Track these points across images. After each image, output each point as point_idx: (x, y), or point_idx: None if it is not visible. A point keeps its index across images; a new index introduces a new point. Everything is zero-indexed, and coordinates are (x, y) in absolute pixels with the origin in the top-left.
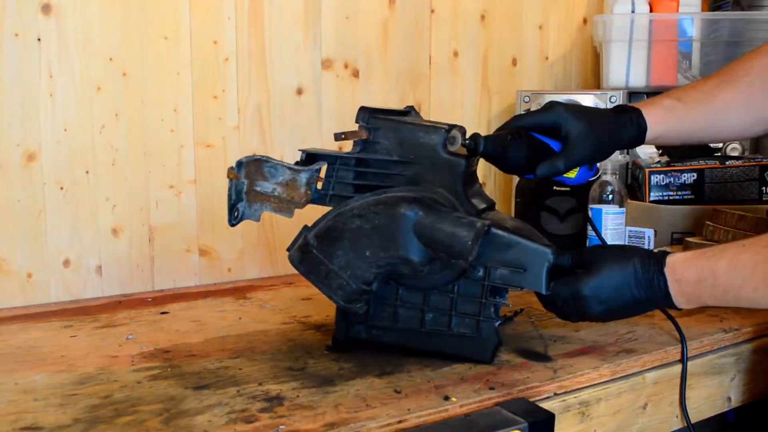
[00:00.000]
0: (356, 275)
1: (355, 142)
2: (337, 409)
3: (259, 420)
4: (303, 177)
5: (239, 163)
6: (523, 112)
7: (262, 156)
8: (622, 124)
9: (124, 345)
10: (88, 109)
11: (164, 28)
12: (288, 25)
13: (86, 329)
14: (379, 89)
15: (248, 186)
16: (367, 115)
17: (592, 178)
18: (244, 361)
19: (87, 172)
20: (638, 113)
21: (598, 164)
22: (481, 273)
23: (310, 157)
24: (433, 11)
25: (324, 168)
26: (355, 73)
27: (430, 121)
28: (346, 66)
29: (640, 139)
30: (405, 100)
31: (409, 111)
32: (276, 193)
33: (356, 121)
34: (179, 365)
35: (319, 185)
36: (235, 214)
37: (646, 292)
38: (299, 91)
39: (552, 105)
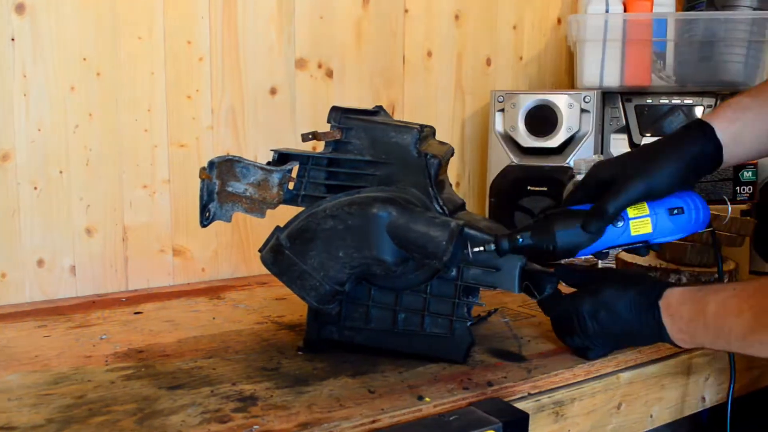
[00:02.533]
0: (329, 276)
1: (327, 142)
2: (311, 409)
3: (232, 420)
4: (275, 177)
5: (211, 164)
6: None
7: (234, 156)
8: (685, 137)
9: (98, 345)
10: (62, 108)
11: (138, 28)
12: (262, 25)
13: (60, 329)
14: (353, 89)
15: (220, 186)
16: (339, 115)
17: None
18: (218, 361)
19: (61, 171)
20: (701, 123)
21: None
22: (454, 273)
23: (281, 157)
24: (407, 11)
25: (296, 168)
26: (329, 73)
27: (400, 121)
28: (320, 66)
29: (714, 151)
30: (379, 99)
31: (378, 111)
32: (248, 194)
33: (328, 121)
34: (153, 365)
35: (291, 185)
36: (207, 214)
37: (638, 321)
38: (273, 91)
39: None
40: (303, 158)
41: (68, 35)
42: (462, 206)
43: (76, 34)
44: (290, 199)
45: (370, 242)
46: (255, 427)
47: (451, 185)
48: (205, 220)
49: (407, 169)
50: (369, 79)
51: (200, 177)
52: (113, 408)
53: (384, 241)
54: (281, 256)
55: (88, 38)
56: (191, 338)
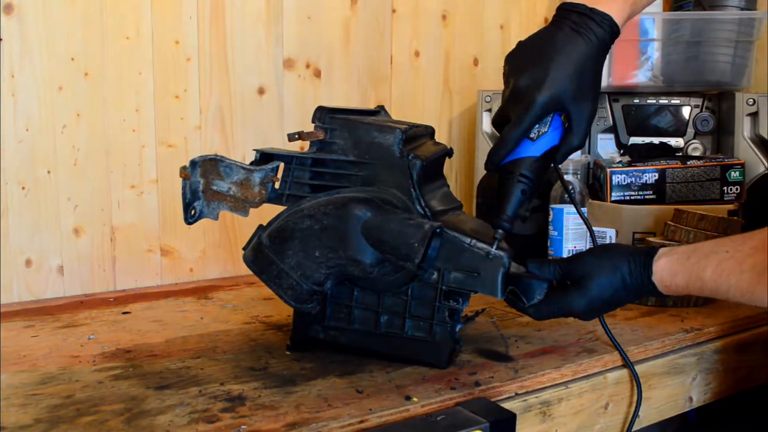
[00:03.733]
0: (306, 275)
1: (311, 142)
2: (299, 409)
3: (220, 420)
4: (256, 177)
5: (193, 163)
6: (491, 130)
7: (217, 155)
8: (600, 46)
9: (85, 345)
10: (50, 108)
11: (126, 28)
12: (250, 25)
13: (48, 329)
14: (340, 89)
15: (205, 185)
16: (323, 114)
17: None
18: (206, 361)
19: (49, 172)
20: (607, 19)
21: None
22: (435, 276)
23: (264, 157)
24: (394, 11)
25: (282, 168)
26: (317, 73)
27: (396, 121)
28: (308, 66)
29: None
30: (367, 99)
31: (379, 111)
32: (231, 193)
33: (313, 121)
34: (141, 365)
35: (277, 185)
36: (192, 212)
37: (636, 295)
38: (261, 91)
39: (525, 95)
40: (286, 158)
41: (56, 35)
42: (458, 207)
43: (64, 34)
44: (275, 198)
45: (346, 243)
46: (243, 427)
47: (448, 186)
48: (190, 218)
49: (389, 170)
50: (357, 79)
51: (180, 176)
52: (101, 408)
53: (359, 241)
54: (261, 254)
55: (76, 38)
56: (179, 338)
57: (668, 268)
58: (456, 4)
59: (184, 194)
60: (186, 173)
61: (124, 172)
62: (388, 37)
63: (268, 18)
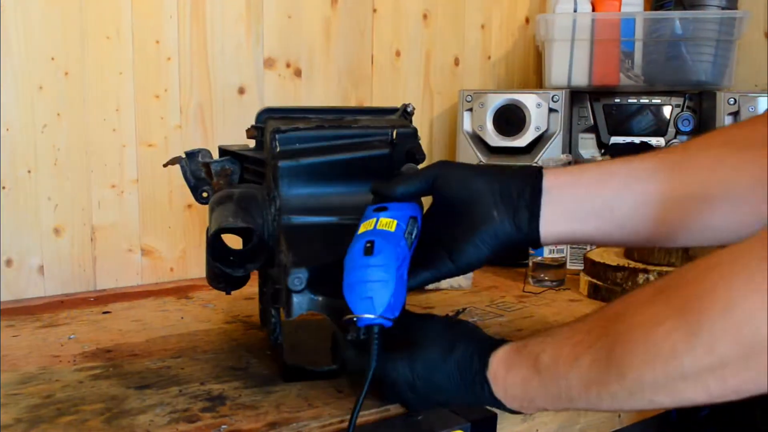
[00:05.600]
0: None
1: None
2: (279, 408)
3: (201, 419)
4: (212, 168)
5: (191, 153)
6: None
7: (203, 149)
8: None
9: (66, 345)
10: (30, 108)
11: (106, 28)
12: (230, 24)
13: (28, 329)
14: (321, 88)
15: (207, 173)
16: (261, 114)
17: None
18: (186, 360)
19: (29, 171)
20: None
21: None
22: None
23: (221, 152)
24: (375, 10)
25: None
26: (298, 73)
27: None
28: (288, 65)
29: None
30: (347, 99)
31: (397, 110)
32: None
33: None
34: (121, 365)
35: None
36: (204, 194)
37: (467, 396)
38: (241, 91)
39: None
40: (232, 155)
41: (36, 35)
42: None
43: (44, 34)
44: None
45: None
46: (223, 426)
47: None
48: (203, 199)
49: (268, 169)
50: (337, 78)
51: (164, 165)
52: (81, 408)
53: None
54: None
55: (56, 38)
56: (159, 338)
57: (504, 361)
58: (437, 3)
59: (187, 179)
60: (179, 162)
61: (105, 172)
62: (369, 37)
63: (248, 17)
